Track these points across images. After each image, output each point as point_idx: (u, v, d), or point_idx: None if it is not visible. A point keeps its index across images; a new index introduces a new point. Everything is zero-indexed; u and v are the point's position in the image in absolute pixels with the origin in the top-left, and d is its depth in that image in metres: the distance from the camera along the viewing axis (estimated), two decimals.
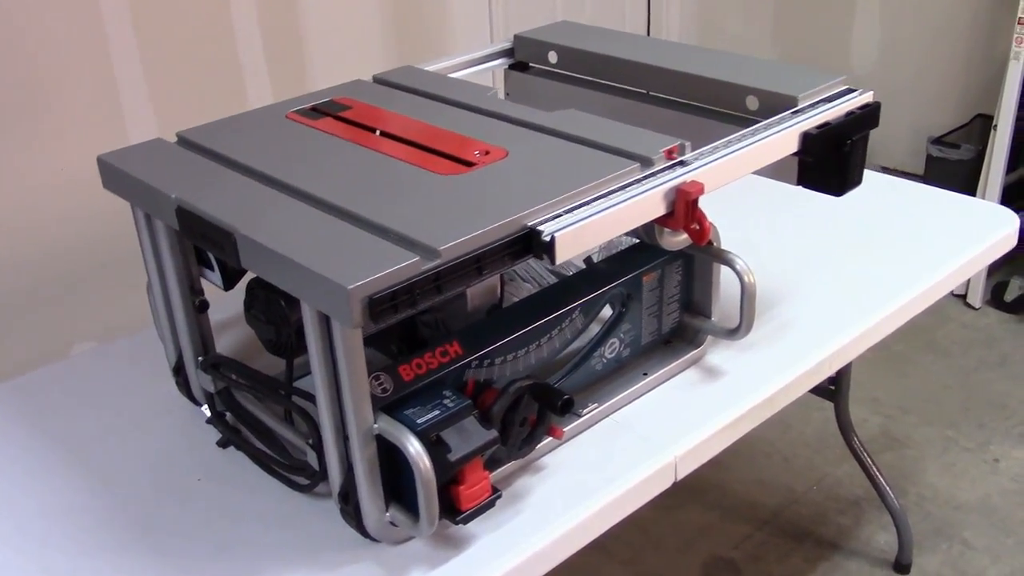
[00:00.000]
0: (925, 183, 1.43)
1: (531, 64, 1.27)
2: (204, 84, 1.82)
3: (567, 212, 0.81)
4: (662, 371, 1.02)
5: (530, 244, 0.79)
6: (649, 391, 1.01)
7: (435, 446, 0.78)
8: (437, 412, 0.80)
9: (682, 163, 0.89)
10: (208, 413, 0.98)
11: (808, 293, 1.17)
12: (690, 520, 1.74)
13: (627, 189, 0.84)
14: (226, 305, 1.06)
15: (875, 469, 1.61)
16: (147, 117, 1.76)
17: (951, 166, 2.40)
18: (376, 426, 0.78)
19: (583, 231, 0.79)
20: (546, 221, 0.79)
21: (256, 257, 0.78)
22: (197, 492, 0.92)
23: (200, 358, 0.97)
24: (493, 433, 0.81)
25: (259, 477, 0.93)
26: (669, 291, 1.02)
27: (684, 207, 0.85)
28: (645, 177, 0.86)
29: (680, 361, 1.04)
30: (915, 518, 1.72)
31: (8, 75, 1.56)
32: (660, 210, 0.85)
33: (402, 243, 0.76)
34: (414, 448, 0.76)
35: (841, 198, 1.02)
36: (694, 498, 1.78)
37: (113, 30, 1.67)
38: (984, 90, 2.56)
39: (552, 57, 1.23)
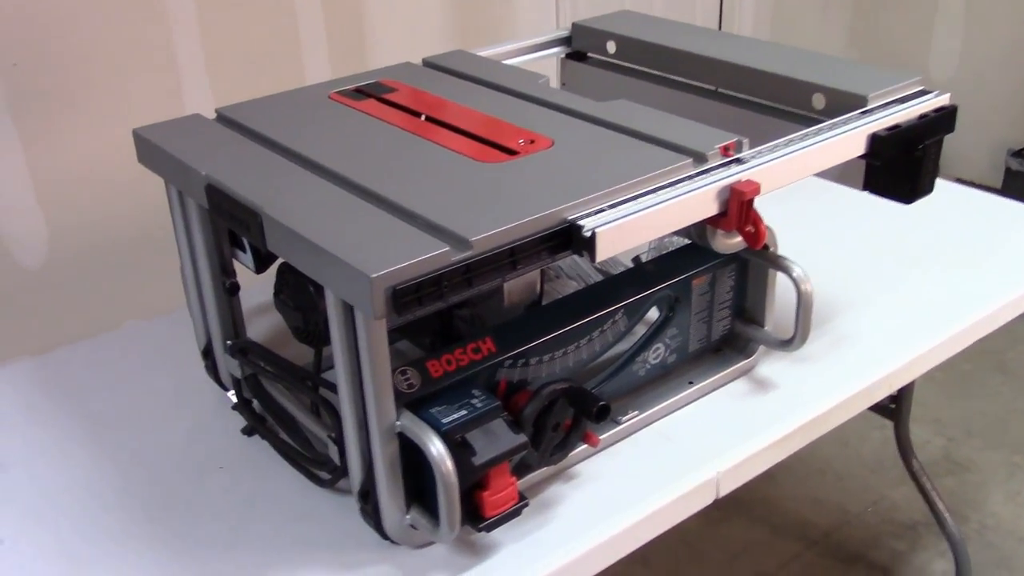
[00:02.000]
0: (1003, 197, 1.35)
1: (589, 54, 1.22)
2: (262, 60, 1.80)
3: (611, 207, 0.76)
4: (709, 380, 0.97)
5: (570, 239, 0.74)
6: (694, 401, 0.96)
7: (459, 448, 0.74)
8: (464, 412, 0.76)
9: (738, 161, 0.83)
10: (234, 399, 0.95)
11: (869, 306, 1.10)
12: (736, 535, 1.67)
13: (677, 185, 0.79)
14: (262, 289, 1.03)
15: (935, 494, 1.53)
16: (204, 92, 1.75)
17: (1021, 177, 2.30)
18: (398, 423, 0.74)
19: (627, 228, 0.74)
20: (588, 215, 0.74)
21: (282, 239, 0.74)
22: (218, 479, 0.89)
23: (229, 342, 0.94)
24: (522, 437, 0.76)
25: (282, 468, 0.90)
26: (721, 296, 0.96)
27: (738, 207, 0.80)
28: (698, 174, 0.81)
29: (729, 371, 0.98)
30: (975, 548, 1.63)
31: (68, 48, 1.56)
32: (712, 209, 0.80)
33: (432, 231, 0.72)
34: (437, 449, 0.72)
35: (911, 207, 0.96)
36: (741, 512, 1.72)
37: (173, 3, 1.66)
38: None
39: (611, 47, 1.18)
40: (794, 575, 1.60)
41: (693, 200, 0.78)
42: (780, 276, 0.94)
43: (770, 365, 1.01)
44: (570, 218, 0.74)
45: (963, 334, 1.07)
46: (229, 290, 0.93)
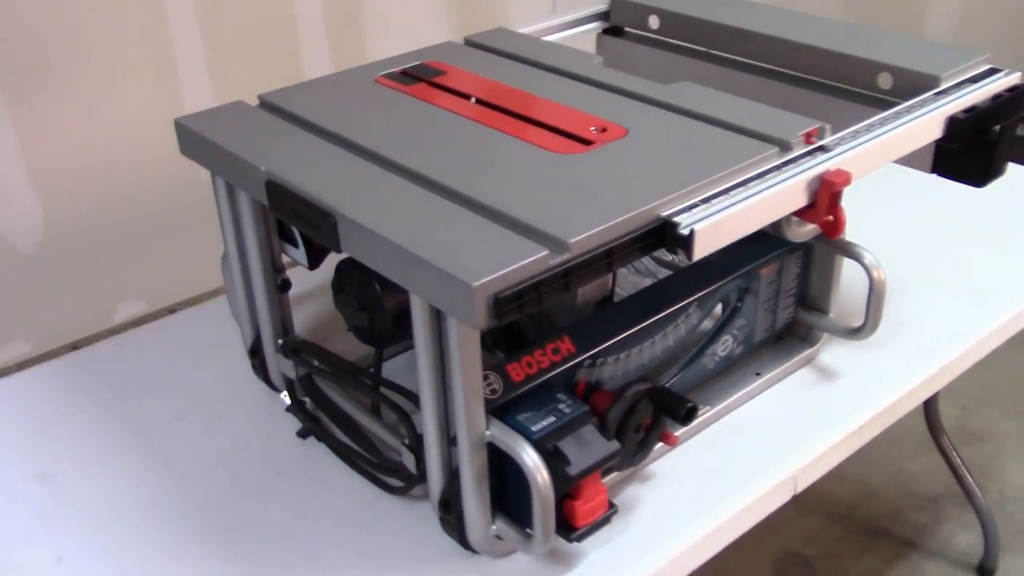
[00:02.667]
0: None
1: (627, 29, 1.17)
2: (258, 42, 1.74)
3: (703, 202, 0.72)
4: (776, 371, 0.94)
5: (663, 237, 0.71)
6: (762, 393, 0.93)
7: (553, 457, 0.71)
8: (553, 418, 0.72)
9: (823, 148, 0.80)
10: (287, 400, 0.91)
11: (929, 290, 1.08)
12: None
13: (766, 177, 0.76)
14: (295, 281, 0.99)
15: (961, 467, 1.53)
16: (200, 72, 1.68)
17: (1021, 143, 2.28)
18: (488, 433, 0.70)
19: (723, 225, 0.71)
20: (682, 212, 0.71)
21: (359, 242, 0.70)
22: (278, 488, 0.85)
23: (280, 341, 0.90)
24: (615, 444, 0.73)
25: (342, 472, 0.86)
26: (786, 284, 0.93)
27: (827, 199, 0.77)
28: (784, 163, 0.78)
29: (795, 360, 0.95)
30: (997, 519, 1.63)
31: (60, 28, 1.49)
32: (802, 201, 0.77)
33: (526, 233, 0.68)
34: (531, 460, 0.69)
35: (970, 189, 0.93)
36: None
37: None
38: None
39: (653, 22, 1.13)
40: (821, 551, 1.60)
41: (783, 193, 0.75)
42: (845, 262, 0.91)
43: (831, 352, 0.99)
44: (664, 215, 0.71)
45: (1018, 317, 1.06)
46: (281, 286, 0.89)
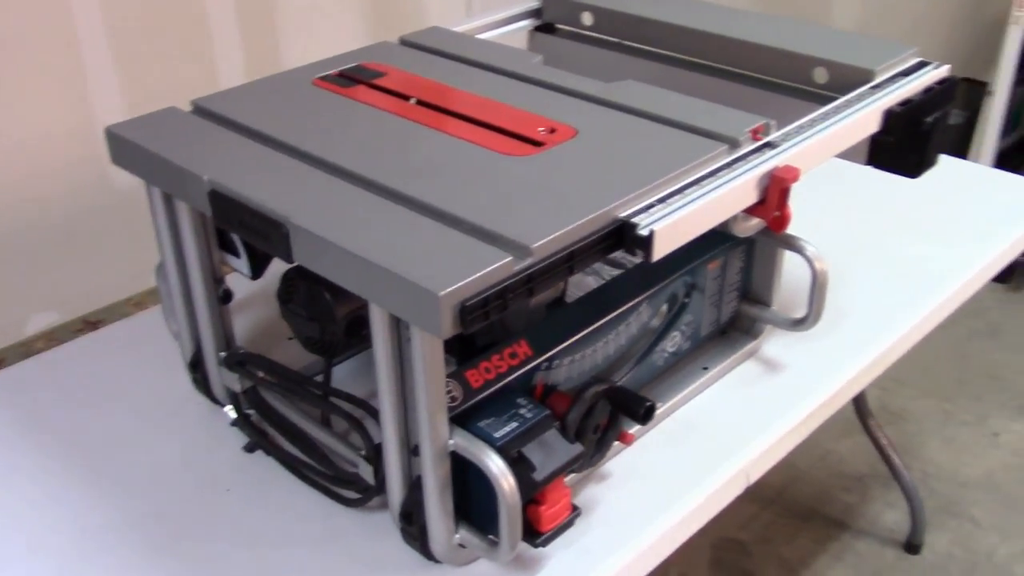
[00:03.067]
0: None
1: (560, 26, 1.17)
2: (170, 45, 1.68)
3: (660, 202, 0.72)
4: (722, 365, 0.95)
5: (622, 238, 0.71)
6: (710, 387, 0.94)
7: (517, 463, 0.70)
8: (515, 424, 0.72)
9: (770, 144, 0.81)
10: (232, 415, 0.89)
11: (866, 279, 1.10)
12: None
13: (719, 175, 0.76)
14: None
15: (888, 448, 1.57)
16: (109, 76, 1.62)
17: None
18: (451, 442, 0.69)
19: (680, 224, 0.71)
20: (639, 212, 0.71)
21: (314, 252, 0.68)
22: (229, 506, 0.83)
23: (223, 354, 0.87)
24: (579, 447, 0.73)
25: (294, 486, 0.84)
26: (731, 278, 0.94)
27: (777, 195, 0.78)
28: (734, 161, 0.78)
29: (739, 353, 0.97)
30: (921, 495, 1.69)
31: None
32: (752, 198, 0.78)
33: (488, 239, 0.67)
34: (497, 467, 0.68)
35: (904, 180, 0.95)
36: None
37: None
38: (969, 54, 2.52)
39: (586, 18, 1.13)
40: (756, 535, 1.63)
41: (737, 190, 0.75)
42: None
43: (774, 344, 1.00)
44: (622, 216, 0.70)
45: (952, 299, 1.09)
46: (222, 298, 0.86)
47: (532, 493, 0.71)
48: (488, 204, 0.70)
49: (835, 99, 0.89)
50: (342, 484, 0.81)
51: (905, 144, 0.91)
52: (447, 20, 1.15)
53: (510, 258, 0.64)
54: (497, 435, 0.70)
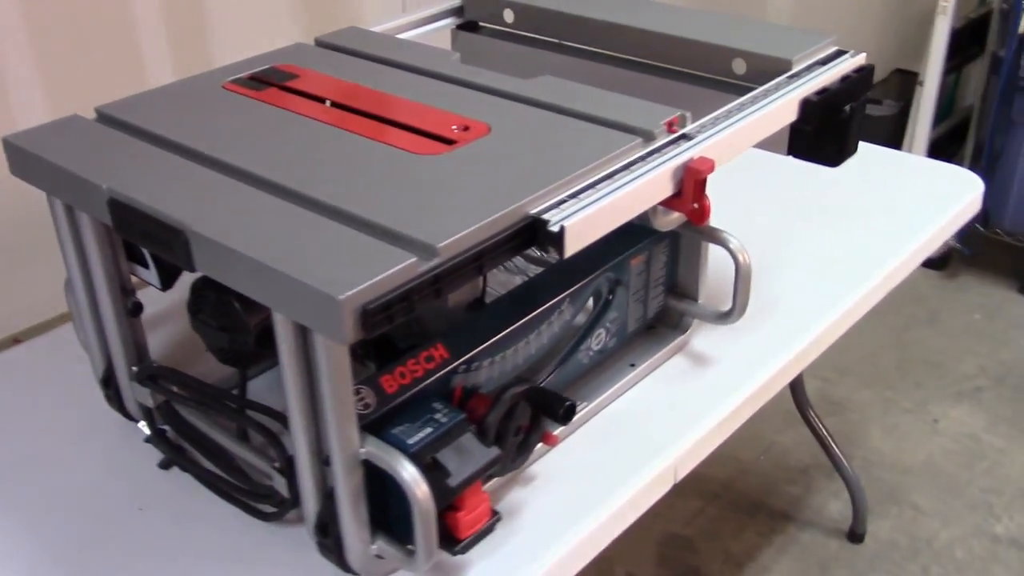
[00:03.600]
0: None
1: (483, 24, 1.16)
2: (95, 49, 1.64)
3: (571, 197, 0.71)
4: (650, 360, 0.94)
5: (534, 235, 0.69)
6: (638, 383, 0.93)
7: (432, 470, 0.68)
8: (429, 429, 0.70)
9: (685, 137, 0.80)
10: (147, 431, 0.86)
11: (786, 269, 1.10)
12: None
13: (632, 168, 0.75)
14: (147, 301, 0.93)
15: (830, 439, 1.57)
16: (33, 84, 1.58)
17: (874, 122, 2.38)
18: (363, 450, 0.67)
19: (593, 219, 0.70)
20: (550, 208, 0.69)
21: (215, 259, 0.66)
22: (141, 525, 0.80)
23: (135, 368, 0.85)
24: (495, 451, 0.71)
25: (210, 502, 0.82)
26: (655, 273, 0.93)
27: (692, 187, 0.77)
28: (649, 154, 0.77)
29: (667, 348, 0.96)
30: (863, 484, 1.69)
31: None
32: (667, 191, 0.77)
33: (392, 240, 0.65)
34: (409, 475, 0.66)
35: (825, 169, 0.95)
36: None
37: None
38: (901, 45, 2.55)
39: (508, 16, 1.12)
40: (701, 531, 1.62)
41: (651, 183, 0.74)
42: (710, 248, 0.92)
43: (702, 338, 0.99)
44: (533, 212, 0.69)
45: (878, 288, 1.09)
46: (131, 311, 0.83)
47: (448, 499, 0.69)
48: (395, 204, 0.69)
49: (753, 89, 0.88)
50: (258, 498, 0.79)
51: (823, 133, 0.91)
52: (382, 19, 1.13)
53: (414, 259, 0.62)
54: (411, 441, 0.69)
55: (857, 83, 0.93)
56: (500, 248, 0.67)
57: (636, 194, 0.73)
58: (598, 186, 0.72)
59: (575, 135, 0.79)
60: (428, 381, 0.74)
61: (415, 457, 0.67)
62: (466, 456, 0.70)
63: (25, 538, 0.79)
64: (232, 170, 0.74)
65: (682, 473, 0.88)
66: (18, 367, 1.00)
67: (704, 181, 0.77)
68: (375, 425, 0.70)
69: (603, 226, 0.71)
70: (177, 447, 0.85)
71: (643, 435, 0.87)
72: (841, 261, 1.11)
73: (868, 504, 1.64)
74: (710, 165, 0.76)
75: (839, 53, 0.95)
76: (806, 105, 0.88)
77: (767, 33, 0.97)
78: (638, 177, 0.74)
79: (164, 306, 1.04)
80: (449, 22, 1.16)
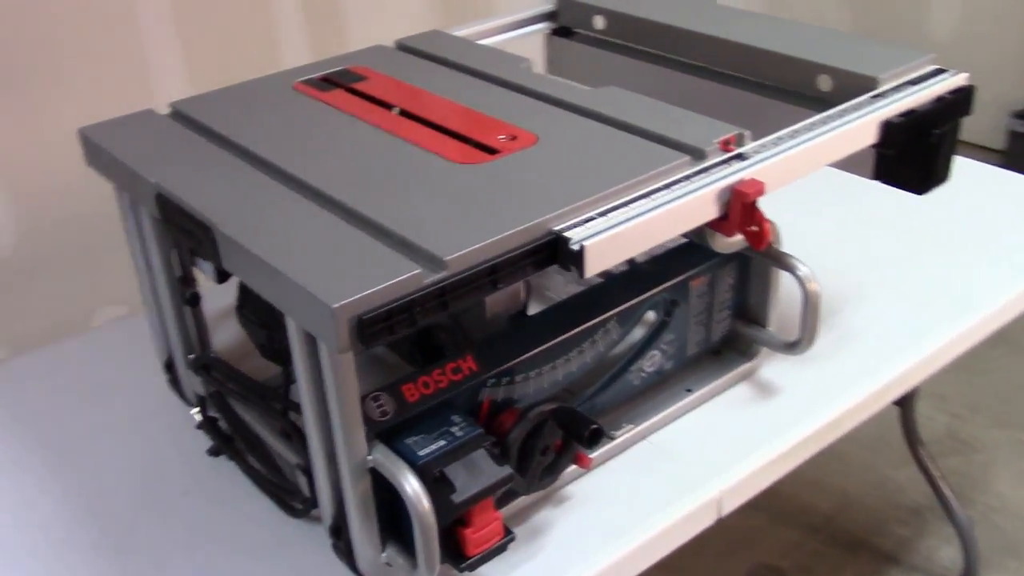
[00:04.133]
0: (1005, 159, 1.28)
1: (576, 30, 1.14)
2: (234, 36, 1.72)
3: (600, 215, 0.69)
4: (709, 387, 0.90)
5: (556, 253, 0.67)
6: (693, 410, 0.89)
7: (437, 484, 0.67)
8: (443, 442, 0.69)
9: (740, 156, 0.76)
10: (198, 418, 0.89)
11: (878, 299, 1.03)
12: (734, 523, 1.61)
13: (674, 187, 0.72)
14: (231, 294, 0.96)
15: (941, 480, 1.47)
16: (178, 73, 1.66)
17: None
18: (370, 458, 0.67)
19: (619, 239, 0.67)
20: (576, 226, 0.67)
21: (237, 258, 0.67)
22: (180, 508, 0.83)
23: (191, 356, 0.87)
24: (507, 470, 0.70)
25: (251, 494, 0.83)
26: (720, 296, 0.89)
27: (740, 210, 0.73)
28: (696, 173, 0.74)
29: (730, 376, 0.91)
30: (981, 531, 1.58)
31: (37, 27, 1.47)
32: (712, 213, 0.73)
33: (403, 249, 0.64)
34: (412, 488, 0.65)
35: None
36: None
37: None
38: None
39: (599, 22, 1.10)
40: (796, 564, 1.55)
41: (690, 205, 0.71)
42: (784, 272, 0.87)
43: (774, 367, 0.94)
44: (556, 229, 0.67)
45: (980, 326, 1.01)
46: (189, 301, 0.86)
47: (451, 516, 0.68)
48: (417, 214, 0.68)
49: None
50: (289, 495, 0.80)
51: (908, 157, 0.85)
52: (514, 10, 1.13)
53: (419, 270, 0.61)
54: (420, 453, 0.68)
55: (952, 105, 0.86)
56: (517, 264, 0.66)
57: (672, 215, 0.70)
58: (632, 204, 0.70)
59: (622, 149, 0.76)
60: (452, 393, 0.73)
61: (422, 469, 0.67)
62: (476, 473, 0.69)
63: (68, 509, 0.83)
64: (275, 170, 0.76)
65: (728, 508, 0.83)
66: (107, 345, 1.05)
67: (752, 204, 0.73)
68: (390, 433, 0.69)
69: (632, 247, 0.69)
70: (225, 436, 0.87)
71: (690, 464, 0.84)
72: (943, 295, 1.04)
73: (983, 554, 1.53)
74: (759, 188, 0.72)
75: (937, 72, 0.89)
76: (887, 127, 0.83)
77: (858, 48, 0.91)
78: (678, 198, 0.71)
79: None
80: (543, 27, 1.15)
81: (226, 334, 0.98)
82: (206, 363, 0.86)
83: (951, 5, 2.60)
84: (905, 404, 1.41)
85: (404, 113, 0.85)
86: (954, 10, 2.59)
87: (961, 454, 1.76)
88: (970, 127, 2.77)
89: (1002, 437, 1.79)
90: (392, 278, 0.60)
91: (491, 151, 0.77)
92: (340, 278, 0.60)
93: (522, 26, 1.14)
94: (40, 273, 1.61)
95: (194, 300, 0.86)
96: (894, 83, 0.87)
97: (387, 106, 0.86)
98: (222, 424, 0.88)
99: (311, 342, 0.65)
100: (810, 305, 0.85)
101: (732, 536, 1.60)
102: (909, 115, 0.83)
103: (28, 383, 0.99)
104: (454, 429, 0.70)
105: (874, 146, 0.84)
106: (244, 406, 0.85)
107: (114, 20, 1.56)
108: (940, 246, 1.12)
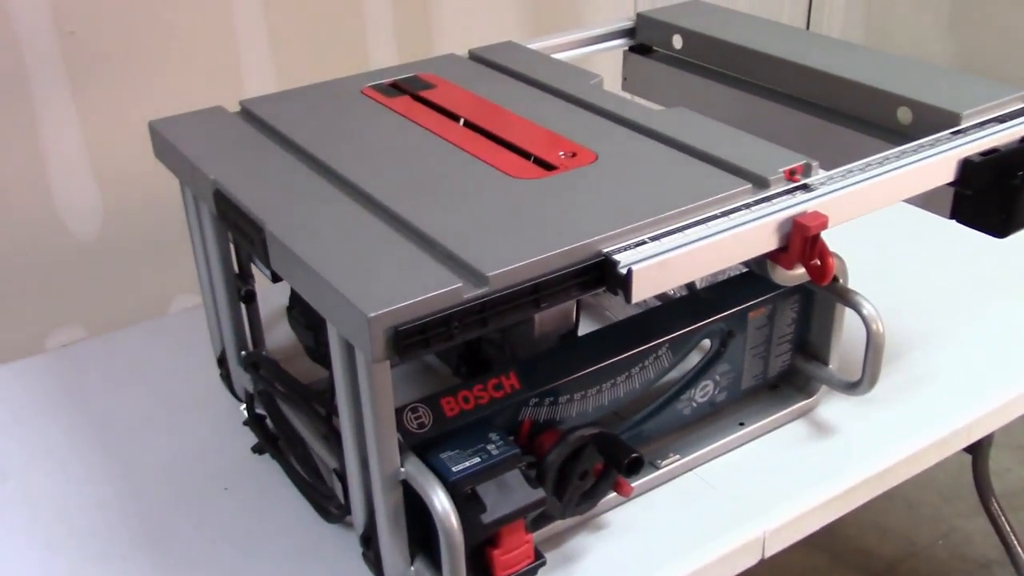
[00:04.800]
0: None
1: (654, 48, 1.12)
2: (326, 39, 1.74)
3: (653, 239, 0.67)
4: (763, 422, 0.87)
5: (603, 275, 0.66)
6: (744, 444, 0.87)
7: (468, 502, 0.66)
8: (478, 460, 0.68)
9: (805, 187, 0.73)
10: (245, 414, 0.89)
11: (951, 343, 0.99)
12: (793, 561, 1.58)
13: (732, 215, 0.70)
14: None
15: (1012, 533, 1.41)
16: (265, 67, 1.69)
17: None
18: (403, 470, 0.66)
19: (669, 266, 0.65)
20: (626, 248, 0.66)
21: (284, 259, 0.67)
22: (220, 504, 0.83)
23: (243, 353, 0.88)
24: (539, 493, 0.68)
25: (291, 494, 0.84)
26: (780, 330, 0.87)
27: (801, 243, 0.70)
28: (757, 202, 0.71)
29: (786, 412, 0.88)
30: None
31: (127, 17, 1.51)
32: (771, 244, 0.71)
33: (447, 262, 0.64)
34: (441, 504, 0.64)
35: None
36: None
37: None
38: None
39: (677, 42, 1.08)
40: None
41: (748, 234, 0.69)
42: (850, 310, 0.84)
43: (833, 406, 0.91)
44: (605, 251, 0.65)
45: None
46: (244, 298, 0.87)
47: (480, 536, 0.67)
48: (466, 227, 0.67)
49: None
50: (326, 499, 0.79)
51: (989, 199, 0.81)
52: (602, 22, 1.13)
53: (459, 284, 0.60)
54: (454, 469, 0.67)
55: None
56: (562, 284, 0.64)
57: (727, 244, 0.68)
58: (687, 231, 0.68)
59: (683, 173, 0.74)
60: (492, 409, 0.72)
61: (454, 486, 0.66)
62: (507, 493, 0.67)
63: (112, 496, 0.84)
64: (332, 175, 0.76)
65: (772, 549, 0.80)
66: (166, 335, 1.06)
67: (815, 238, 0.70)
68: (426, 446, 0.68)
69: (683, 274, 0.67)
70: (270, 435, 0.88)
71: (737, 500, 0.81)
72: (1012, 341, 0.99)
73: None
74: (822, 221, 0.70)
75: None
76: (966, 165, 0.79)
77: (943, 81, 0.88)
78: (736, 226, 0.68)
79: None
80: (622, 43, 1.14)
81: (281, 334, 0.99)
82: (256, 361, 0.87)
83: None
84: (977, 452, 1.35)
85: (467, 124, 0.84)
86: None
87: None
88: None
89: None
90: (432, 291, 0.59)
91: (549, 167, 0.76)
92: (380, 287, 0.60)
93: (600, 41, 1.13)
94: (124, 259, 1.65)
95: (249, 297, 0.87)
96: (978, 119, 0.83)
97: (451, 115, 0.86)
98: (268, 423, 0.88)
99: (349, 349, 0.65)
100: (873, 345, 0.82)
101: (789, 574, 1.55)
102: (990, 154, 0.79)
103: (91, 367, 1.01)
104: (490, 447, 0.69)
105: (952, 184, 0.81)
106: (290, 406, 0.85)
107: (210, 15, 1.59)
108: (1019, 293, 1.07)
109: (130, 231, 1.64)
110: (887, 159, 0.77)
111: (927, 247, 1.16)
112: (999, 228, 0.83)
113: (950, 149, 0.78)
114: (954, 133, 0.81)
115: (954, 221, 0.85)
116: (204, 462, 0.88)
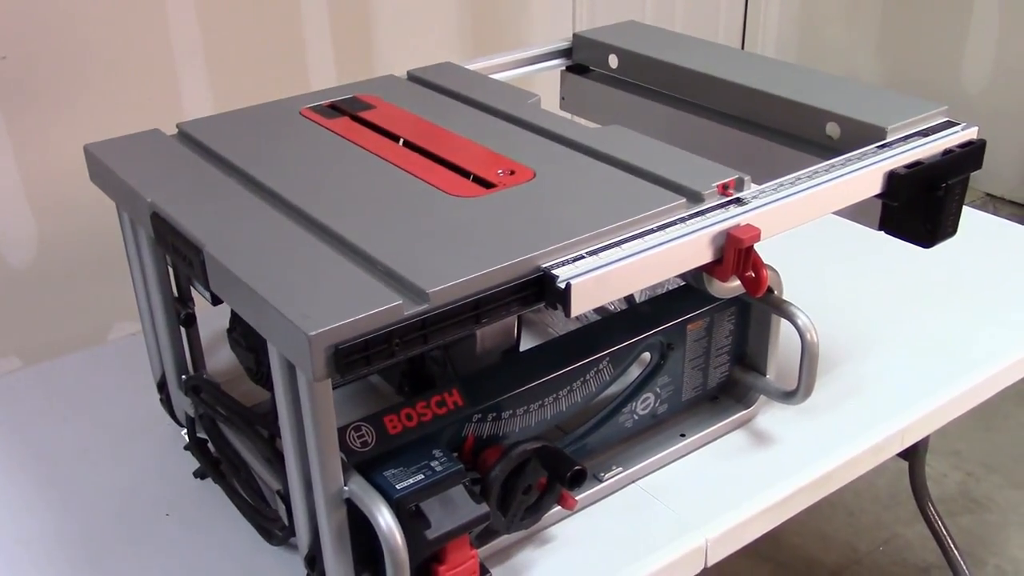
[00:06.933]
0: None
1: (591, 67, 1.14)
2: (265, 63, 1.73)
3: (591, 254, 0.68)
4: (703, 433, 0.89)
5: (543, 290, 0.67)
6: (685, 455, 0.88)
7: (412, 519, 0.66)
8: (421, 477, 0.68)
9: (738, 201, 0.75)
10: (187, 439, 0.88)
11: (884, 352, 1.02)
12: (738, 570, 1.59)
13: (668, 229, 0.71)
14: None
15: (948, 538, 1.44)
16: (203, 93, 1.68)
17: None
18: (346, 489, 0.66)
19: (607, 279, 0.66)
20: (564, 264, 0.67)
21: (223, 280, 0.67)
22: (162, 530, 0.82)
23: (183, 377, 0.87)
24: (483, 508, 0.68)
25: (234, 518, 0.83)
26: (718, 341, 0.88)
27: (735, 255, 0.72)
28: (691, 216, 0.73)
29: (725, 422, 0.90)
30: None
31: (61, 43, 1.49)
32: (705, 257, 0.72)
33: (387, 280, 0.64)
34: (385, 522, 0.64)
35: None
36: (744, 546, 1.64)
37: (173, 2, 1.59)
38: None
39: (613, 61, 1.09)
40: None
41: (683, 248, 0.70)
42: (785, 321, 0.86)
43: (772, 416, 0.93)
44: (544, 266, 0.66)
45: (986, 384, 0.99)
46: (184, 321, 0.86)
47: (425, 552, 0.67)
48: (406, 245, 0.68)
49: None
50: (269, 521, 0.79)
51: (914, 210, 0.84)
52: (552, 39, 1.15)
53: (400, 302, 0.61)
54: (398, 486, 0.67)
55: (961, 159, 0.85)
56: (502, 300, 0.65)
57: (664, 257, 0.69)
58: (624, 245, 0.69)
59: (619, 189, 0.76)
60: (436, 426, 0.72)
61: (398, 503, 0.66)
62: (452, 509, 0.68)
63: (52, 527, 0.83)
64: (268, 193, 0.76)
65: (715, 558, 0.82)
66: (105, 363, 1.05)
67: (748, 250, 0.72)
68: (369, 464, 0.69)
69: (621, 287, 0.68)
70: (212, 459, 0.87)
71: (679, 510, 0.82)
72: (950, 350, 1.02)
73: None
74: (755, 233, 0.71)
75: (948, 124, 0.88)
76: (892, 178, 0.81)
77: (869, 98, 0.91)
78: (671, 240, 0.70)
79: None
80: (559, 63, 1.15)
81: (222, 356, 0.98)
82: (197, 384, 0.86)
83: (983, 57, 2.58)
84: (913, 459, 1.39)
85: (407, 143, 0.85)
86: (987, 63, 2.58)
87: (973, 513, 1.72)
88: (1001, 180, 2.74)
89: (1017, 497, 1.75)
90: (372, 308, 0.60)
91: (488, 185, 0.77)
92: (320, 306, 0.60)
93: (538, 61, 1.14)
94: (61, 286, 1.62)
95: (189, 320, 0.86)
96: (903, 133, 0.86)
97: (391, 135, 0.86)
98: (210, 447, 0.87)
99: (291, 369, 0.65)
100: (808, 355, 0.84)
101: None
102: (915, 166, 0.82)
103: (30, 395, 1.00)
104: (434, 463, 0.69)
105: (879, 196, 0.83)
106: (232, 429, 0.84)
107: (146, 39, 1.58)
108: (947, 300, 1.10)
109: (66, 258, 1.62)
110: (816, 172, 0.79)
111: (859, 258, 1.19)
112: (926, 238, 0.85)
113: (877, 162, 0.81)
114: (880, 147, 0.84)
115: (883, 232, 0.87)
116: (145, 489, 0.87)
